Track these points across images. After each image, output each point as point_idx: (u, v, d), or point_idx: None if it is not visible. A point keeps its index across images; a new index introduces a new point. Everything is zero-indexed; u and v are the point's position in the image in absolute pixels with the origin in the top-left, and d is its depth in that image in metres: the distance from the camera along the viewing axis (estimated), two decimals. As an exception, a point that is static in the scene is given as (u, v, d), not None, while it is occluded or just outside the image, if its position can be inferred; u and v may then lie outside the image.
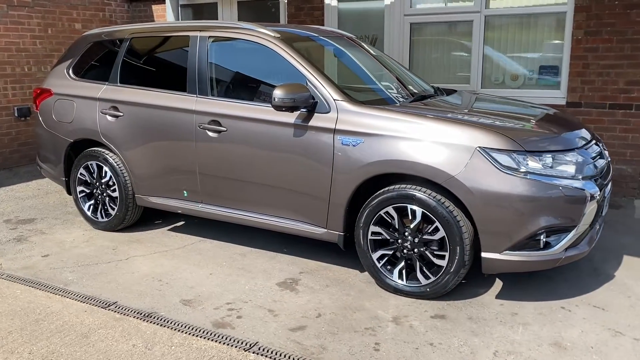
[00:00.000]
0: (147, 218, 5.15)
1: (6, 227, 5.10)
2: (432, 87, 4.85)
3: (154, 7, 8.72)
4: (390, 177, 3.65)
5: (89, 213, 5.00)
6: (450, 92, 4.75)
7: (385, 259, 3.67)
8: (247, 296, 3.66)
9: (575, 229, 3.30)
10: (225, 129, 4.09)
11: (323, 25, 7.31)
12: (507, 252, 3.30)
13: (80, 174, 4.95)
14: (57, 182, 5.30)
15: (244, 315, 3.40)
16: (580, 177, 3.32)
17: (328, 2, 7.33)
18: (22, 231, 4.99)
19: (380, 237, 3.66)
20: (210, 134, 4.16)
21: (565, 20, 6.14)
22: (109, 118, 4.66)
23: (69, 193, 5.19)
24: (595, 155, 3.61)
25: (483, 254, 3.35)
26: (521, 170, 3.23)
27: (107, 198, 4.87)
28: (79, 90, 4.88)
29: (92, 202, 4.98)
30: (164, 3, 8.53)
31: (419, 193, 3.44)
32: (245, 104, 4.06)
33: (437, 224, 3.42)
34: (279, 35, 4.09)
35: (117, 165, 4.71)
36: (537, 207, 3.20)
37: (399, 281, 3.63)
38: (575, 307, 3.47)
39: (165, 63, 4.66)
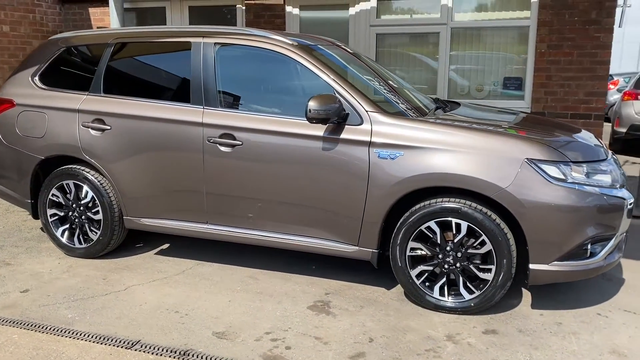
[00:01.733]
0: (127, 242, 4.65)
1: (-40, 259, 4.40)
2: (434, 98, 4.83)
3: (92, 10, 8.05)
4: (423, 192, 3.55)
5: (63, 239, 4.43)
6: (451, 103, 4.75)
7: (425, 275, 3.55)
8: (283, 324, 3.39)
9: (615, 237, 3.39)
10: (240, 142, 3.78)
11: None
12: (555, 262, 3.31)
13: (53, 195, 4.38)
14: (17, 204, 4.67)
15: (292, 346, 3.14)
16: (617, 185, 3.41)
17: (290, 9, 7.14)
18: (-18, 263, 4.33)
19: (418, 253, 3.54)
20: (222, 148, 3.83)
21: (528, 34, 6.41)
22: (93, 132, 4.16)
23: (35, 217, 4.57)
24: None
25: (531, 266, 3.34)
26: (568, 180, 3.26)
27: (86, 221, 4.34)
28: (51, 101, 4.32)
29: (67, 226, 4.42)
30: (103, 6, 7.90)
31: (465, 207, 3.36)
32: (263, 115, 3.78)
33: (483, 237, 3.36)
34: (296, 43, 3.86)
35: (101, 184, 4.21)
36: (586, 217, 3.25)
37: (441, 297, 3.53)
38: (609, 313, 3.56)
39: (160, 72, 4.24)
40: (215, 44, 3.97)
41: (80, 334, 3.23)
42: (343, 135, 3.56)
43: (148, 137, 4.01)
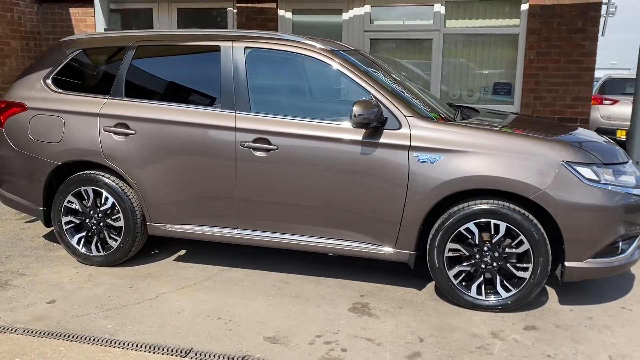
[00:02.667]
0: (141, 249, 4.53)
1: (-31, 271, 4.19)
2: (447, 104, 4.96)
3: (73, 10, 7.80)
4: (457, 194, 3.64)
5: (78, 247, 4.29)
6: (467, 108, 4.88)
7: (462, 275, 3.66)
8: (331, 327, 3.41)
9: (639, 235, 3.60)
10: (275, 147, 3.78)
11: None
12: (589, 260, 3.48)
13: (69, 201, 4.23)
14: (27, 212, 4.49)
15: (348, 348, 3.17)
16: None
17: (282, 13, 7.16)
18: (-6, 274, 4.13)
19: (456, 254, 3.64)
20: (256, 153, 3.81)
21: (518, 41, 6.66)
22: (115, 137, 4.06)
23: (47, 225, 4.41)
24: None
25: (567, 263, 3.49)
26: (601, 181, 3.44)
27: (105, 228, 4.22)
28: (68, 104, 4.18)
29: (83, 234, 4.28)
30: (85, 6, 7.67)
31: (504, 208, 3.49)
32: (299, 120, 3.79)
33: (521, 237, 3.49)
34: (329, 48, 3.89)
35: (122, 190, 4.11)
36: (617, 215, 3.43)
37: (478, 296, 3.64)
38: (632, 306, 3.76)
39: (186, 75, 4.17)
40: (245, 48, 3.95)
41: (129, 344, 3.15)
42: (382, 140, 3.63)
43: (176, 141, 3.95)
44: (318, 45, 3.89)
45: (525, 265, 3.54)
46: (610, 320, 3.56)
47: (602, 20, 6.43)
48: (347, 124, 3.72)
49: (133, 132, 4.02)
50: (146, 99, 4.09)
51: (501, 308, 3.62)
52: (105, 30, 4.75)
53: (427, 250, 3.68)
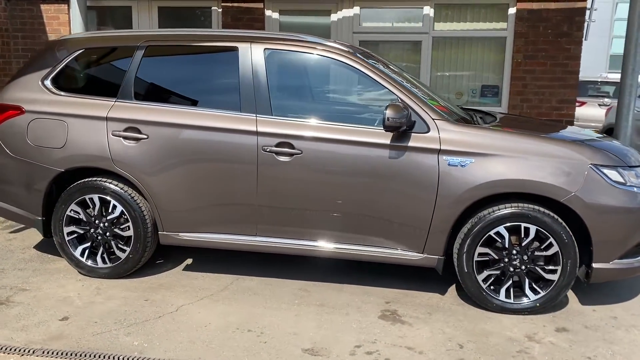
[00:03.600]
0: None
1: (-37, 287, 3.87)
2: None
3: (44, 7, 7.41)
4: (487, 197, 3.63)
5: (82, 259, 4.04)
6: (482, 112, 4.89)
7: (491, 279, 3.65)
8: (367, 336, 3.33)
9: (660, 235, 3.69)
10: (299, 151, 3.67)
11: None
12: (615, 261, 3.53)
13: (72, 210, 3.98)
14: (23, 222, 4.20)
15: (391, 358, 3.10)
16: None
17: (269, 14, 7.02)
18: (-8, 290, 3.84)
19: (484, 258, 3.63)
20: (279, 158, 3.69)
21: (505, 44, 6.77)
22: (125, 142, 3.84)
23: (46, 236, 4.13)
24: None
25: (594, 265, 3.54)
26: (627, 184, 3.50)
27: (112, 238, 3.99)
28: (71, 107, 3.93)
29: (87, 244, 4.03)
30: (58, 3, 7.29)
31: (533, 211, 3.50)
32: (324, 123, 3.69)
33: (550, 239, 3.52)
34: (352, 50, 3.81)
35: (132, 197, 3.90)
36: (643, 217, 3.50)
37: (507, 300, 3.64)
38: (650, 305, 3.86)
39: (201, 77, 3.99)
40: (265, 49, 3.82)
41: (163, 363, 2.98)
42: (411, 143, 3.57)
43: (192, 146, 3.78)
44: (340, 47, 3.80)
45: (553, 267, 3.56)
46: (635, 319, 3.63)
47: (584, 25, 6.61)
48: (373, 127, 3.65)
49: (145, 136, 3.82)
50: (158, 101, 3.90)
51: (530, 311, 3.63)
52: (99, 28, 4.50)
53: (456, 255, 3.65)
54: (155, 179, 3.83)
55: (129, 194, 3.90)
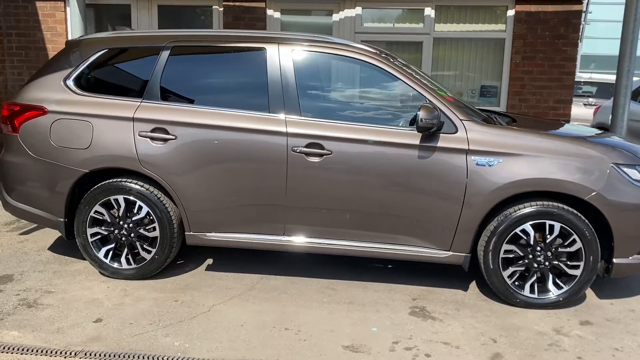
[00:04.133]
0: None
1: (-14, 291, 3.81)
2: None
3: (39, 4, 7.28)
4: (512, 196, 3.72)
5: (106, 260, 4.02)
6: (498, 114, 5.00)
7: (516, 275, 3.76)
8: (402, 332, 3.41)
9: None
10: (329, 152, 3.72)
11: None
12: (635, 256, 3.68)
13: (96, 212, 3.95)
14: (44, 224, 4.16)
15: (431, 353, 3.17)
16: None
17: (270, 13, 7.04)
18: (16, 293, 3.78)
19: (510, 255, 3.73)
20: (309, 158, 3.73)
21: (504, 45, 6.93)
22: (153, 142, 3.83)
23: (68, 237, 4.10)
24: None
25: (615, 260, 3.67)
26: (646, 181, 3.65)
27: (137, 240, 3.98)
28: (96, 108, 3.90)
29: (111, 246, 4.01)
30: (55, 0, 7.18)
31: (559, 209, 3.62)
32: (353, 124, 3.75)
33: (574, 236, 3.64)
34: (379, 52, 3.88)
35: (158, 198, 3.90)
36: (662, 213, 3.65)
37: (531, 295, 3.75)
38: (663, 298, 4.03)
39: (228, 78, 3.99)
40: (293, 50, 3.86)
41: (209, 362, 3.00)
42: (440, 144, 3.66)
43: (221, 147, 3.79)
44: (368, 49, 3.86)
45: (576, 263, 3.69)
46: (652, 311, 3.79)
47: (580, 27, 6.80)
48: (402, 127, 3.73)
49: (173, 137, 3.82)
50: (185, 102, 3.90)
51: (553, 305, 3.75)
52: (125, 29, 4.45)
53: (482, 252, 3.74)
54: (183, 179, 3.83)
55: (155, 195, 3.90)
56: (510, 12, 6.82)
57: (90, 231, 3.99)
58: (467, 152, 3.64)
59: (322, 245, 3.89)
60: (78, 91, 3.97)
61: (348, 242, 3.87)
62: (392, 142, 3.69)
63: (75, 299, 3.72)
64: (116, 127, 3.86)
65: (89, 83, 4.01)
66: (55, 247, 4.68)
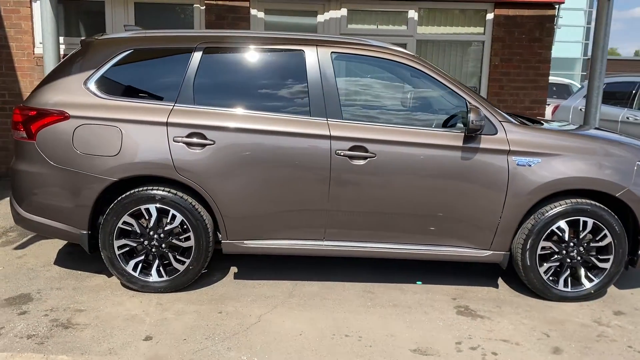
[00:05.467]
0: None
1: (9, 312, 3.49)
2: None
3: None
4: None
5: (135, 273, 3.80)
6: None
7: (551, 271, 3.90)
8: (459, 332, 3.45)
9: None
10: (373, 155, 3.70)
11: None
12: (658, 248, 3.93)
13: (124, 222, 3.73)
14: (64, 238, 3.87)
15: (496, 351, 3.24)
16: None
17: (254, 13, 6.90)
18: (43, 313, 3.49)
19: (546, 252, 3.87)
20: (353, 161, 3.70)
21: (483, 48, 7.17)
22: (190, 148, 3.66)
23: (91, 251, 3.84)
24: None
25: (641, 253, 3.91)
26: (666, 178, 3.90)
27: (168, 250, 3.79)
28: (125, 112, 3.67)
29: (140, 258, 3.80)
30: (19, -5, 6.67)
31: (592, 206, 3.79)
32: (396, 127, 3.76)
33: (605, 231, 3.83)
34: (415, 55, 3.90)
35: (193, 206, 3.73)
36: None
37: (564, 289, 3.91)
38: (672, 286, 4.32)
39: (265, 81, 3.86)
40: (332, 53, 3.80)
41: (288, 375, 2.91)
42: (482, 145, 3.73)
43: (262, 151, 3.68)
44: (406, 52, 3.88)
45: (606, 256, 3.88)
46: (670, 299, 4.06)
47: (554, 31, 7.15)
48: (445, 129, 3.78)
49: (211, 142, 3.66)
50: (221, 106, 3.74)
51: (585, 297, 3.93)
52: (125, 26, 4.17)
53: (520, 250, 3.85)
54: (222, 185, 3.69)
55: (190, 203, 3.72)
56: (490, 16, 7.06)
57: (117, 243, 3.75)
58: (508, 152, 3.74)
59: (364, 249, 3.87)
60: (102, 94, 3.72)
61: (390, 245, 3.87)
62: (435, 143, 3.72)
63: (112, 317, 3.49)
64: (148, 133, 3.65)
65: (113, 86, 3.76)
66: (62, 261, 4.37)
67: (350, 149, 3.69)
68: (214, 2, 6.78)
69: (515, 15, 7.01)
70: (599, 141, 3.91)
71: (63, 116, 3.66)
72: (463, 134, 3.73)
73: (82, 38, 4.13)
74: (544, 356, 3.20)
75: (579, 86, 12.99)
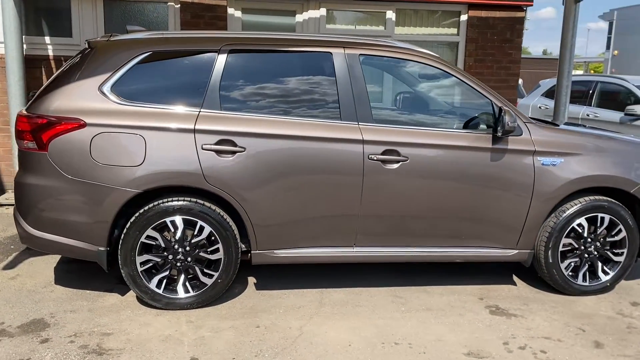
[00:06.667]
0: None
1: (30, 341, 3.17)
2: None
3: (-47, -5, 6.11)
4: None
5: (159, 290, 3.57)
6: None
7: (571, 266, 4.03)
8: (502, 333, 3.48)
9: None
10: (405, 158, 3.67)
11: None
12: (665, 240, 4.15)
13: (147, 237, 3.49)
14: (80, 256, 3.56)
15: (545, 350, 3.29)
16: None
17: (231, 11, 6.69)
18: (68, 340, 3.20)
19: (567, 248, 3.99)
20: (386, 165, 3.65)
21: (458, 48, 7.32)
22: (219, 156, 3.47)
23: (109, 269, 3.57)
24: None
25: (651, 244, 4.11)
26: (670, 174, 4.12)
27: (195, 264, 3.59)
28: (147, 119, 3.43)
29: (165, 274, 3.57)
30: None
31: (609, 202, 3.94)
32: (427, 129, 3.74)
33: (620, 226, 4.00)
34: (441, 57, 3.90)
35: (222, 216, 3.55)
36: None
37: (583, 283, 4.05)
38: (669, 274, 4.58)
39: (292, 84, 3.71)
40: (360, 55, 3.73)
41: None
42: (510, 146, 3.78)
43: (293, 157, 3.55)
44: (432, 54, 3.86)
45: (620, 250, 4.05)
46: (674, 288, 4.30)
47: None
48: (473, 131, 3.80)
49: (242, 149, 3.49)
50: (248, 111, 3.58)
51: (602, 290, 4.09)
52: (138, 28, 3.88)
53: (542, 248, 3.94)
54: (254, 194, 3.53)
55: (219, 213, 3.54)
56: (464, 17, 7.21)
57: (139, 259, 3.50)
58: (534, 153, 3.81)
59: (394, 254, 3.83)
60: (120, 100, 3.45)
61: (419, 249, 3.85)
62: (465, 145, 3.74)
63: (145, 339, 3.25)
64: (174, 140, 3.43)
65: (131, 90, 3.49)
66: (63, 281, 4.04)
67: (383, 153, 3.64)
68: (189, 0, 6.50)
69: (488, 17, 7.20)
70: (613, 140, 4.08)
71: (79, 124, 3.37)
72: (491, 135, 3.76)
73: (88, 39, 3.82)
74: (589, 351, 3.29)
75: (519, 83, 13.58)
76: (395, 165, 3.66)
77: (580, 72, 34.39)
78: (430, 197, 3.74)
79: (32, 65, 6.29)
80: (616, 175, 3.91)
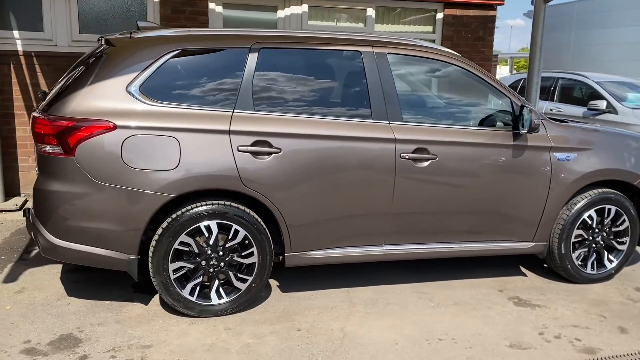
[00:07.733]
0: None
1: (67, 359, 2.97)
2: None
3: None
4: None
5: (192, 298, 3.44)
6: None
7: (582, 256, 4.23)
8: (533, 323, 3.60)
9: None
10: (435, 156, 3.72)
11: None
12: (663, 230, 4.43)
13: (181, 243, 3.36)
14: (109, 266, 3.37)
15: (580, 338, 3.44)
16: None
17: (212, 7, 6.52)
18: (109, 355, 3.03)
19: (578, 239, 4.18)
20: (417, 164, 3.68)
21: (435, 46, 7.46)
22: (256, 157, 3.39)
23: (140, 278, 3.40)
24: None
25: (651, 233, 4.38)
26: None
27: (228, 268, 3.49)
28: (180, 120, 3.29)
29: (198, 280, 3.45)
30: None
31: (614, 194, 4.17)
32: (455, 127, 3.82)
33: (624, 217, 4.24)
34: (463, 57, 3.97)
35: (257, 219, 3.47)
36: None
37: (591, 272, 4.26)
38: (657, 260, 4.90)
39: (323, 83, 3.65)
40: (388, 54, 3.74)
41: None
42: (530, 143, 3.92)
43: (327, 157, 3.52)
44: (456, 54, 3.93)
45: (624, 239, 4.29)
46: (665, 273, 4.60)
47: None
48: (497, 128, 3.90)
49: (277, 150, 3.42)
50: (281, 111, 3.51)
51: (608, 277, 4.32)
52: (137, 22, 3.67)
53: (556, 240, 4.11)
54: (289, 195, 3.47)
55: (253, 216, 3.45)
56: (439, 16, 7.36)
57: (172, 267, 3.37)
58: (550, 149, 3.97)
59: (420, 250, 3.88)
60: (149, 100, 3.29)
61: (444, 245, 3.92)
62: (492, 143, 3.84)
63: (189, 349, 3.13)
64: (209, 142, 3.31)
65: (160, 90, 3.33)
66: (76, 292, 3.81)
67: (414, 152, 3.67)
68: (170, -6, 6.27)
69: (462, 15, 7.39)
70: (619, 136, 4.31)
71: (108, 127, 3.18)
72: (511, 132, 3.88)
73: (101, 36, 3.61)
74: (617, 337, 3.47)
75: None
76: (425, 164, 3.70)
77: (506, 67, 35.38)
78: (457, 194, 3.81)
79: (0, 61, 5.87)
80: (622, 168, 4.14)
